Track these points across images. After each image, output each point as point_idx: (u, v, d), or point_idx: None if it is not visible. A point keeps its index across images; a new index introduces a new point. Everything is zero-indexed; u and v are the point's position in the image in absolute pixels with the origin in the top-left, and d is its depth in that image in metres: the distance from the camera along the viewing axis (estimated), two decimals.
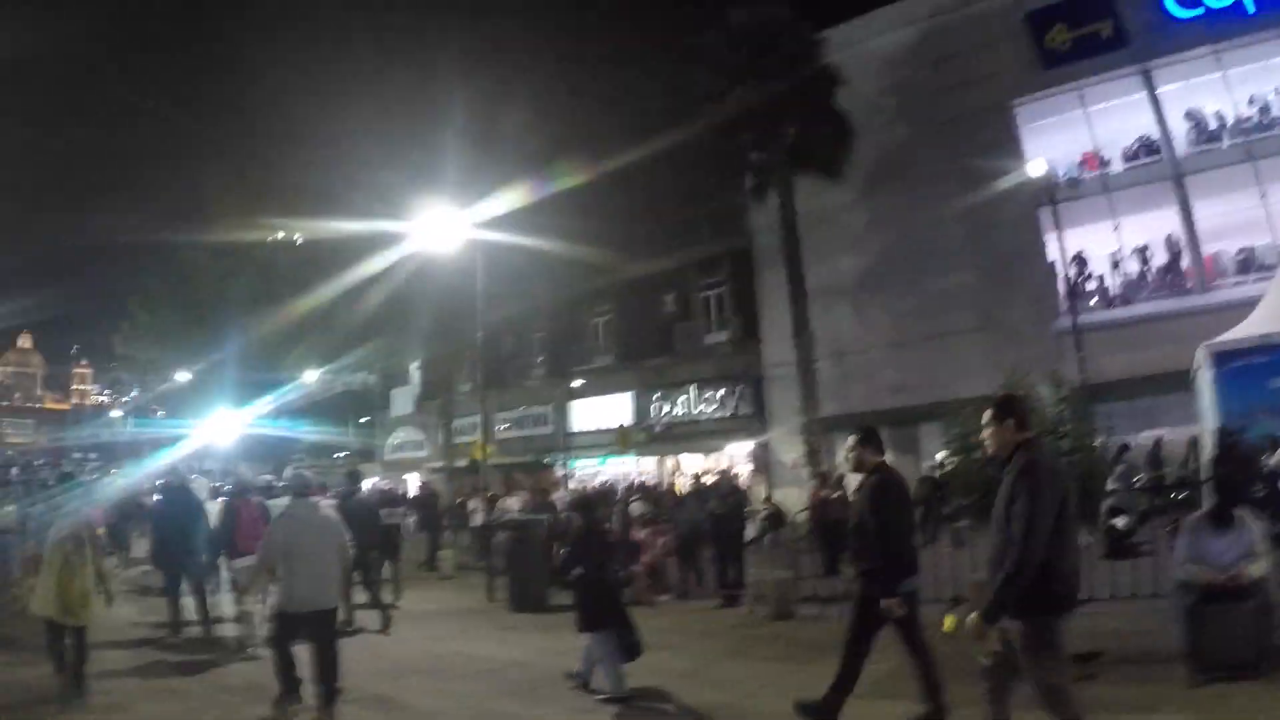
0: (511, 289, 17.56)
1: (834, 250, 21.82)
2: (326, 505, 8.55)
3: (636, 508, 14.20)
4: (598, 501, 8.48)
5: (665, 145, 19.16)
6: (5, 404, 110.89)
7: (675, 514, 13.67)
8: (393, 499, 15.34)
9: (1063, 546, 4.09)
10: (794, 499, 16.21)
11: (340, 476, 15.56)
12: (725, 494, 13.18)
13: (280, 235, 34.25)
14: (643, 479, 24.03)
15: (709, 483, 15.26)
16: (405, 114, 20.48)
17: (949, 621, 5.04)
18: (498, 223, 16.55)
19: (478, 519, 16.47)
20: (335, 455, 41.78)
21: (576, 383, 28.19)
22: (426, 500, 20.58)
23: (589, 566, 7.37)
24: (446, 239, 16.18)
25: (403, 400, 39.06)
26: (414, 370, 37.17)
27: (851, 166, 20.15)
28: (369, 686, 7.49)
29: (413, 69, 21.96)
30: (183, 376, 38.63)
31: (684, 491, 17.39)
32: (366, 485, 16.29)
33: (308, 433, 39.27)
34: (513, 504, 15.96)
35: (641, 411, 26.96)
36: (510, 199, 16.41)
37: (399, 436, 38.85)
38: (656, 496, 16.87)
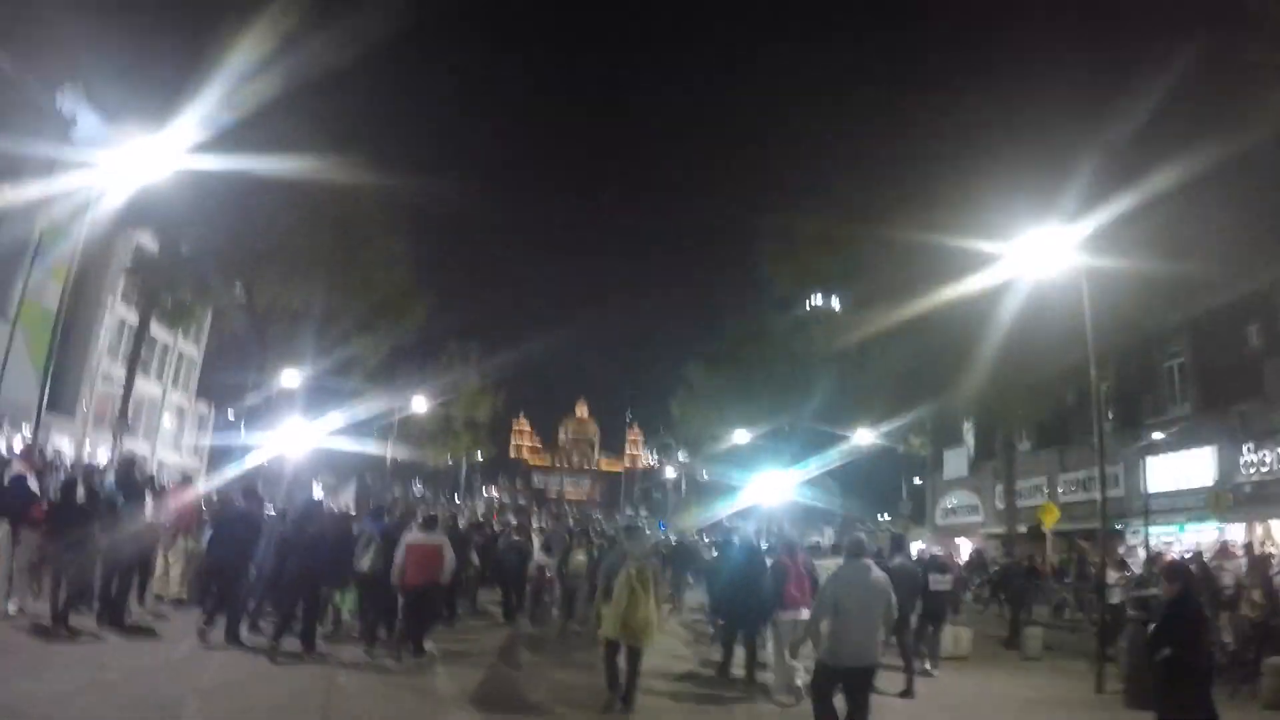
0: (1070, 333, 15.60)
1: None
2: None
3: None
4: (1191, 572, 7.16)
5: (1228, 147, 15.68)
6: (565, 465, 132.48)
7: None
8: (942, 565, 14.52)
9: None
10: None
11: (886, 539, 15.39)
12: None
13: (820, 300, 34.65)
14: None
15: None
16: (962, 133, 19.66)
17: None
18: (1055, 255, 14.56)
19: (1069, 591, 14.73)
20: (882, 517, 41.66)
21: (1151, 436, 24.41)
22: (1008, 569, 18.78)
23: (1178, 647, 6.49)
24: (1002, 277, 15.09)
25: (955, 462, 37.40)
26: (967, 430, 35.39)
27: None
28: None
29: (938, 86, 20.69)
30: (740, 437, 40.02)
31: None
32: (914, 549, 15.73)
33: (856, 494, 39.61)
34: (1113, 576, 14.02)
35: (1226, 467, 22.52)
36: (1071, 225, 14.07)
37: (951, 500, 37.32)
38: None
